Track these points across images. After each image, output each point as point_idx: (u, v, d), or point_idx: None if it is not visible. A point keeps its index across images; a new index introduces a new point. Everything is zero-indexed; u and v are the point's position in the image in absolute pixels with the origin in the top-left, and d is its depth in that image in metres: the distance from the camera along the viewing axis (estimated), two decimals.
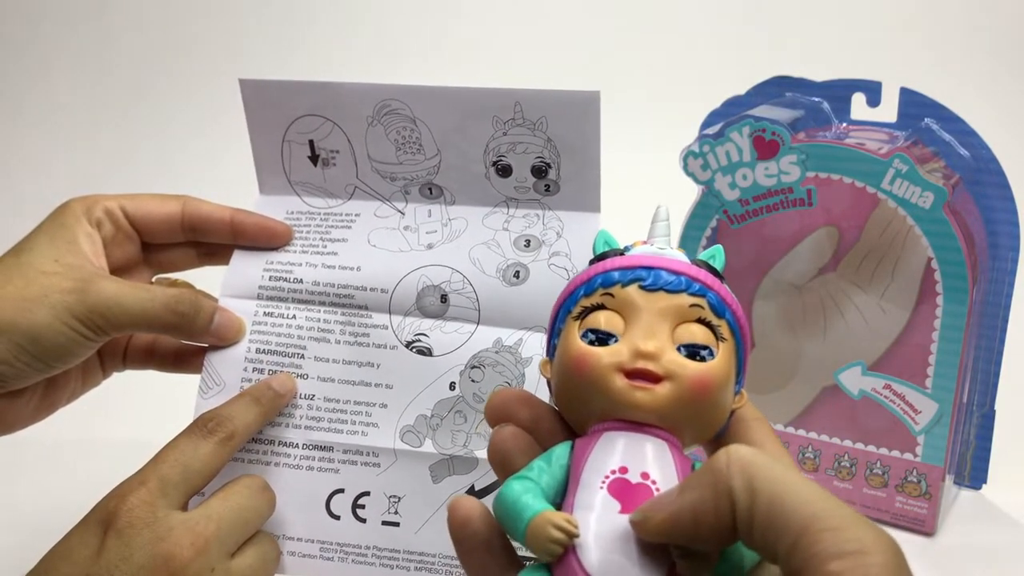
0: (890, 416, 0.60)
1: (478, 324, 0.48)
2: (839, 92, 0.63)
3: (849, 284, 0.60)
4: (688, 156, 0.59)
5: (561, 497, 0.30)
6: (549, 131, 0.48)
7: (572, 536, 0.28)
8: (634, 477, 0.29)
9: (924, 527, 0.61)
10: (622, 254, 0.32)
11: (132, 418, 0.70)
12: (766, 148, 0.57)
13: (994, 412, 0.64)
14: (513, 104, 0.48)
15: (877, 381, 0.60)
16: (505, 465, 0.32)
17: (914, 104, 0.61)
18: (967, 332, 0.57)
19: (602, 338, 0.30)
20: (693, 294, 0.31)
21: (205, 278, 0.52)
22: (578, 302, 0.32)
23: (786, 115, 0.61)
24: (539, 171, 0.49)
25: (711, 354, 0.30)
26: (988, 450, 0.65)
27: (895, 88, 0.61)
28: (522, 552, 0.31)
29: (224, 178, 0.69)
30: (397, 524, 0.47)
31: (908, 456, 0.60)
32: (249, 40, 1.15)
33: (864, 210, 0.58)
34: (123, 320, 0.44)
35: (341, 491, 0.47)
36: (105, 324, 0.44)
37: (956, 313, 0.56)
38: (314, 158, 0.51)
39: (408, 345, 0.48)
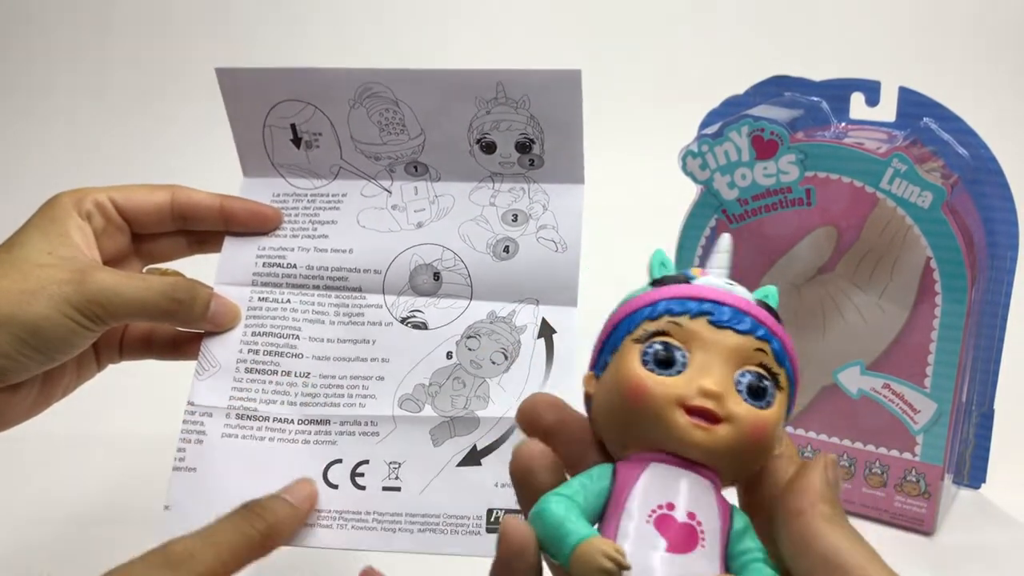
0: (889, 415, 0.60)
1: (471, 299, 0.49)
2: (838, 91, 0.63)
3: (848, 284, 0.60)
4: (687, 156, 0.59)
5: (598, 519, 0.30)
6: (532, 109, 0.48)
7: (623, 568, 0.27)
8: (680, 515, 0.29)
9: (923, 526, 0.61)
10: (686, 282, 0.32)
11: (130, 412, 0.70)
12: (765, 148, 0.57)
13: (993, 411, 0.64)
14: (495, 84, 0.48)
15: (876, 380, 0.60)
16: (526, 480, 0.31)
17: (913, 103, 0.61)
18: (966, 331, 0.57)
19: (663, 367, 0.30)
20: (759, 338, 0.30)
21: (196, 267, 0.52)
22: (640, 324, 0.31)
23: (785, 114, 0.61)
24: (523, 147, 0.49)
25: (770, 402, 0.30)
26: (987, 449, 0.65)
27: (894, 87, 0.61)
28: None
29: (208, 164, 0.69)
30: (398, 489, 0.46)
31: (907, 455, 0.60)
32: (230, 28, 1.15)
33: (863, 210, 0.58)
34: (121, 309, 0.45)
35: (339, 461, 0.47)
36: (104, 313, 0.44)
37: (955, 312, 0.56)
38: (297, 141, 0.52)
39: (403, 321, 0.49)
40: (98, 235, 0.48)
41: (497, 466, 0.46)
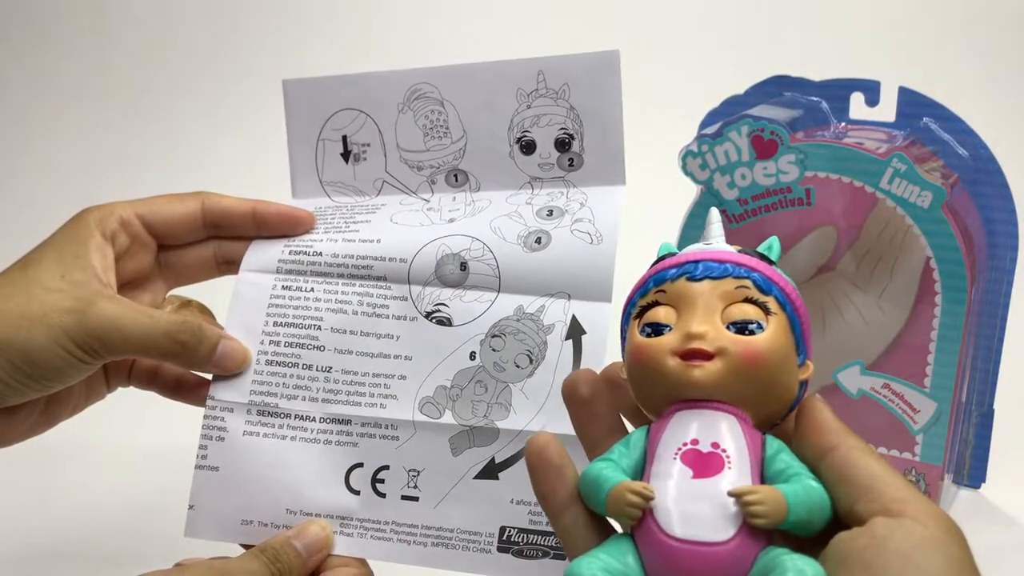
0: (889, 415, 0.60)
1: (499, 292, 0.47)
2: (837, 91, 0.63)
3: (848, 284, 0.60)
4: (686, 156, 0.59)
5: (640, 475, 0.32)
6: (571, 99, 0.48)
7: (647, 499, 0.31)
8: (705, 447, 0.31)
9: None
10: (673, 255, 0.35)
11: (139, 422, 0.70)
12: (764, 147, 0.57)
13: (993, 411, 0.64)
14: (536, 73, 0.48)
15: (876, 380, 0.60)
16: (543, 461, 0.35)
17: (913, 103, 0.61)
18: (966, 331, 0.57)
19: (658, 330, 0.33)
20: (738, 277, 0.33)
21: (216, 300, 0.51)
22: (637, 304, 0.34)
23: (784, 114, 0.61)
24: (562, 144, 0.49)
25: (760, 327, 0.32)
26: (987, 449, 0.65)
27: (894, 87, 0.61)
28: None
29: (230, 172, 0.69)
30: (416, 499, 0.46)
31: (907, 455, 0.60)
32: (256, 42, 1.14)
33: (863, 210, 0.58)
34: (120, 345, 0.44)
35: (360, 465, 0.47)
36: (102, 348, 0.43)
37: (955, 312, 0.56)
38: (346, 154, 0.52)
39: (428, 315, 0.47)
40: (121, 256, 0.47)
41: (514, 481, 0.45)
